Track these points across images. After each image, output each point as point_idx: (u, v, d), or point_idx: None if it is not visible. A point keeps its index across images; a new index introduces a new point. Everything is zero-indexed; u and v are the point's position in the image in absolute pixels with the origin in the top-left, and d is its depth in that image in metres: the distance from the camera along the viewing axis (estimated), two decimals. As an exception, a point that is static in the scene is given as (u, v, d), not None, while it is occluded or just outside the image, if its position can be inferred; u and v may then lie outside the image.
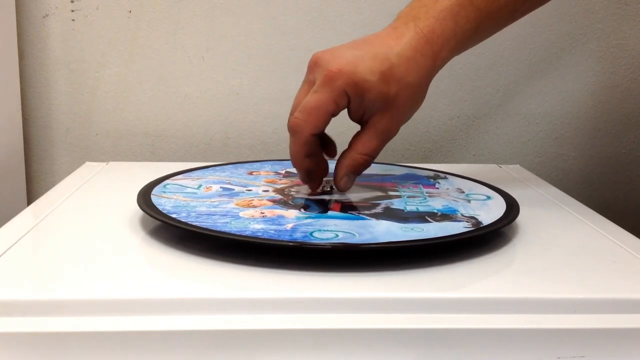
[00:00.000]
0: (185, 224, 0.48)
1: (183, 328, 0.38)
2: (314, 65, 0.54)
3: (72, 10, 0.85)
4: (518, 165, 0.81)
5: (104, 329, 0.38)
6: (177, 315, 0.39)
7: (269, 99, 0.88)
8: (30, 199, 0.87)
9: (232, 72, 0.87)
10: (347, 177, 0.56)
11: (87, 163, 0.77)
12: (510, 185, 0.64)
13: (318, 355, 0.39)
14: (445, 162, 0.89)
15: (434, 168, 0.70)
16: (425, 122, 0.89)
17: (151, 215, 0.50)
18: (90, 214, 0.57)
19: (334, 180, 0.56)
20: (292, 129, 0.53)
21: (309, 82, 0.55)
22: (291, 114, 0.54)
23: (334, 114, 0.53)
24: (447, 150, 0.91)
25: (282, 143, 0.89)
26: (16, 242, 0.48)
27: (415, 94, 0.55)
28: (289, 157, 0.55)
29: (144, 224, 0.53)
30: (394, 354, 0.39)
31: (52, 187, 0.65)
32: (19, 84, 0.84)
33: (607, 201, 0.93)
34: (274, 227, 0.47)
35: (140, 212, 0.55)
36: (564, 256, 0.49)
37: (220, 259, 0.45)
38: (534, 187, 0.69)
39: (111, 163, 0.77)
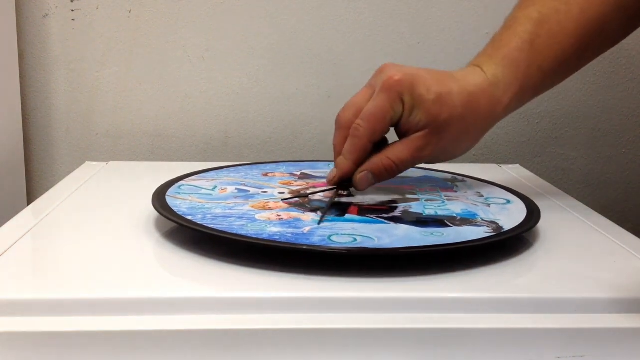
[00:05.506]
0: (201, 226, 0.47)
1: (183, 328, 0.38)
2: (378, 72, 0.56)
3: (72, 10, 0.85)
4: (518, 165, 0.81)
5: (104, 329, 0.38)
6: (177, 315, 0.39)
7: (269, 99, 0.88)
8: (30, 199, 0.87)
9: (232, 72, 0.87)
10: (366, 173, 0.55)
11: (87, 163, 0.77)
12: (510, 185, 0.64)
13: (320, 355, 0.39)
14: (445, 162, 0.89)
15: (434, 168, 0.70)
16: (425, 122, 0.89)
17: (167, 217, 0.49)
18: (90, 214, 0.57)
19: (354, 175, 0.55)
20: (352, 133, 0.54)
21: (369, 86, 0.56)
22: (342, 110, 0.56)
23: (392, 120, 0.54)
24: (447, 150, 0.91)
25: (282, 143, 0.89)
26: (16, 242, 0.48)
27: (465, 130, 0.55)
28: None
29: (146, 223, 0.53)
30: (393, 353, 0.39)
31: (52, 187, 0.65)
32: (19, 84, 0.84)
33: (607, 201, 0.93)
34: (290, 230, 0.47)
35: (143, 211, 0.55)
36: (564, 256, 0.49)
37: (233, 261, 0.45)
38: (534, 187, 0.69)
39: (111, 163, 0.77)
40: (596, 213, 0.59)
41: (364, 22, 0.86)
